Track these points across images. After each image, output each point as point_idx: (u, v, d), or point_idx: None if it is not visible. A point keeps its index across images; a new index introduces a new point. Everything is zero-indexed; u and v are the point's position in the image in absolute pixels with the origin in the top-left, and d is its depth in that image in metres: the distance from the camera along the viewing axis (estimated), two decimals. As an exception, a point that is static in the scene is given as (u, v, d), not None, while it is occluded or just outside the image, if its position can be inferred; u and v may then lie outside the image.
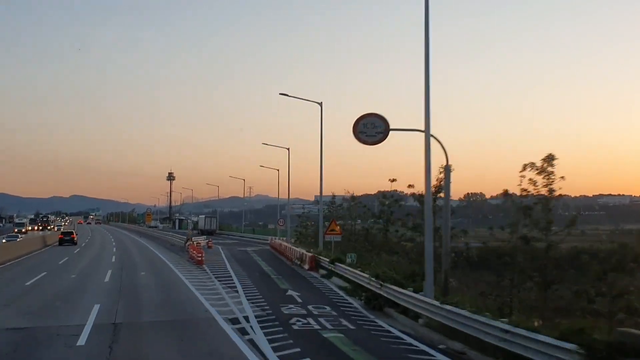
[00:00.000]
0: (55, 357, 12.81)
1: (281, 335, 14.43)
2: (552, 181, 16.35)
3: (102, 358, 12.41)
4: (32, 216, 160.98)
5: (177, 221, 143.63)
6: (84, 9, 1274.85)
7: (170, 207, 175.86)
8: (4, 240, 57.69)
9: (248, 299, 20.81)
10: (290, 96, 38.33)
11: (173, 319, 17.29)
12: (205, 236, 70.73)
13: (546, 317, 14.35)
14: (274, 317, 17.19)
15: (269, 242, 60.02)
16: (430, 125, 16.33)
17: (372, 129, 18.58)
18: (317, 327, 15.67)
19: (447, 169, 18.07)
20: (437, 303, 14.13)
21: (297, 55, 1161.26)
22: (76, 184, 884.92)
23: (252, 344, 13.63)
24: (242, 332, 15.04)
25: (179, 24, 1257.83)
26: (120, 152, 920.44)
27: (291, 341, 13.77)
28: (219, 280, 27.01)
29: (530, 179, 16.39)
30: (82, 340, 13.92)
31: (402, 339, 14.39)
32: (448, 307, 13.56)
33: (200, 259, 35.76)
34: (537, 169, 16.26)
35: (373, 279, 20.09)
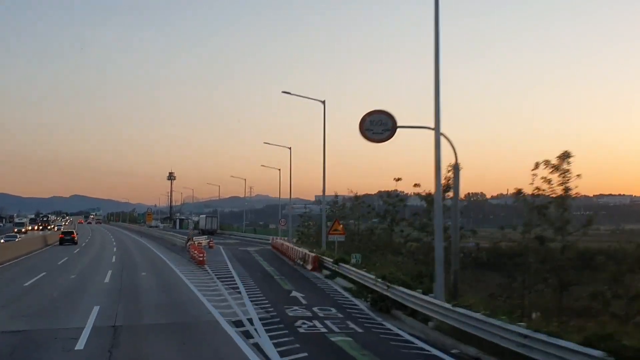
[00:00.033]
0: (52, 362, 12.32)
1: (287, 339, 13.93)
2: (568, 179, 15.81)
3: (102, 363, 11.93)
4: (33, 216, 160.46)
5: (177, 221, 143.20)
6: (84, 9, 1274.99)
7: (171, 206, 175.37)
8: (1, 241, 57.18)
9: (251, 301, 20.31)
10: (293, 94, 37.87)
11: (175, 321, 16.78)
12: (206, 236, 70.19)
13: (563, 320, 13.83)
14: (278, 319, 16.70)
15: (270, 242, 59.56)
16: (441, 122, 15.84)
17: (378, 126, 18.11)
18: (323, 330, 15.16)
19: (456, 168, 17.56)
20: (448, 306, 13.61)
21: (298, 55, 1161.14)
22: (76, 184, 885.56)
23: (257, 348, 13.13)
24: (247, 335, 14.54)
25: (179, 24, 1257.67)
26: (120, 152, 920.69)
27: (298, 345, 13.28)
28: (221, 281, 26.52)
29: (544, 178, 15.82)
30: (80, 344, 13.42)
31: (413, 343, 13.88)
32: (460, 309, 13.05)
33: (201, 259, 35.27)
34: (552, 167, 15.69)
35: (379, 280, 19.59)
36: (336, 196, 43.13)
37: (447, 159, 17.79)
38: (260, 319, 16.62)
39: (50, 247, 58.78)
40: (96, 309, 18.29)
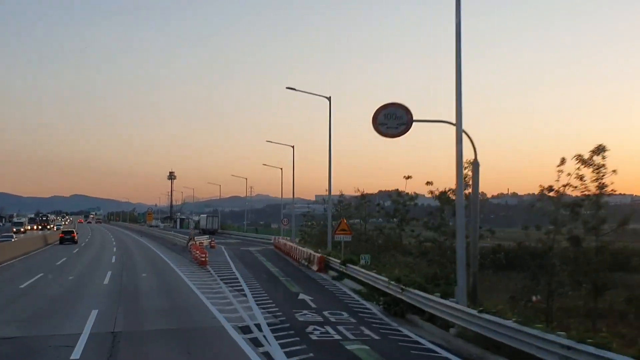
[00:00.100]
0: (46, 373, 11.35)
1: (299, 347, 12.92)
2: (603, 175, 14.77)
3: (99, 375, 10.94)
4: (32, 216, 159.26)
5: (178, 220, 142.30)
6: (84, 9, 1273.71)
7: (172, 206, 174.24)
8: None
9: (258, 304, 19.30)
10: (297, 90, 36.82)
11: (178, 327, 15.77)
12: (207, 236, 69.26)
13: (599, 327, 12.82)
14: (288, 324, 15.68)
15: (272, 241, 58.62)
16: (463, 118, 14.86)
17: (393, 120, 17.10)
18: (337, 337, 14.14)
19: (475, 165, 16.56)
20: (474, 312, 12.59)
21: (298, 54, 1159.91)
22: (77, 184, 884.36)
23: (268, 358, 12.14)
24: (255, 343, 13.53)
25: (179, 24, 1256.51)
26: (120, 152, 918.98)
27: (312, 354, 12.27)
28: (225, 283, 25.51)
29: (577, 174, 14.78)
30: (76, 353, 12.42)
31: (436, 352, 12.86)
32: (488, 316, 12.03)
33: (203, 259, 34.29)
34: (584, 162, 14.62)
35: (393, 282, 18.60)
36: (342, 195, 42.11)
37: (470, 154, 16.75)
38: (269, 325, 15.62)
39: (50, 246, 58.02)
40: (94, 313, 17.30)
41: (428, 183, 22.66)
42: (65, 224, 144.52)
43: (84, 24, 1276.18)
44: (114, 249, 52.93)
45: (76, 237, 64.35)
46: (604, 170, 14.81)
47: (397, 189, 27.87)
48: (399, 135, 17.11)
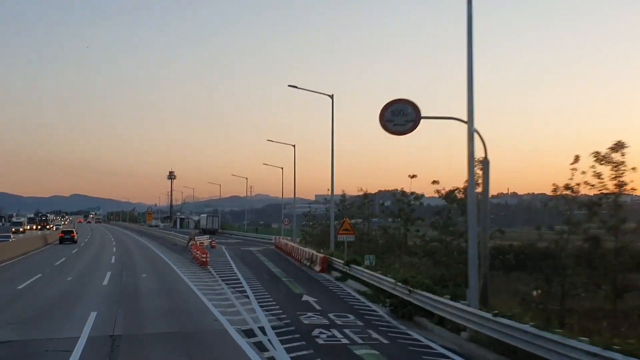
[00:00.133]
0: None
1: (306, 352, 12.43)
2: (622, 173, 14.27)
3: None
4: (31, 215, 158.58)
5: (178, 220, 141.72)
6: (84, 9, 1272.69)
7: (171, 206, 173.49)
8: None
9: (261, 306, 18.81)
10: (300, 88, 36.39)
11: (179, 330, 15.25)
12: (208, 236, 68.80)
13: (620, 332, 12.32)
14: (293, 328, 15.19)
15: (273, 241, 58.16)
16: (474, 115, 14.36)
17: (401, 116, 16.56)
18: (345, 340, 13.65)
19: (485, 163, 16.02)
20: (488, 315, 12.08)
21: (298, 54, 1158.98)
22: (77, 184, 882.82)
23: (274, 363, 11.65)
24: (260, 347, 13.03)
25: (179, 24, 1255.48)
26: (120, 152, 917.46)
27: (319, 360, 11.79)
28: (227, 284, 25.02)
29: (594, 171, 14.26)
30: (74, 358, 11.95)
31: (448, 357, 12.34)
32: (504, 320, 11.52)
33: (204, 260, 33.79)
34: (602, 159, 14.10)
35: (399, 284, 18.09)
36: (344, 194, 41.58)
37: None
38: (273, 328, 15.12)
39: (50, 246, 57.71)
40: (93, 315, 16.82)
41: (434, 182, 22.18)
42: (64, 223, 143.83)
43: (84, 24, 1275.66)
44: (114, 249, 52.44)
45: (76, 237, 64.36)
46: (623, 168, 14.32)
47: (402, 189, 27.37)
48: (406, 133, 16.59)
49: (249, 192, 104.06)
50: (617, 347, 8.64)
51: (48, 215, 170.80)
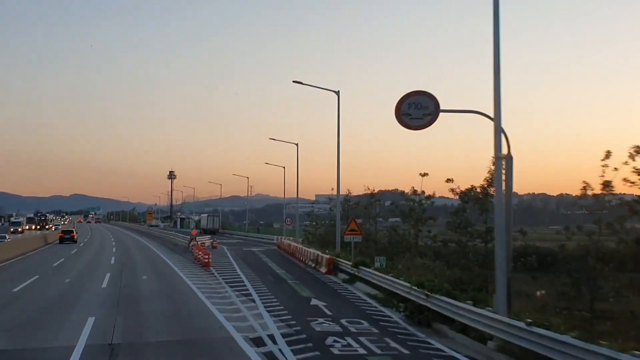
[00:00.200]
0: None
1: (321, 364, 11.43)
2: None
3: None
4: (31, 215, 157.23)
5: (178, 220, 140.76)
6: (84, 9, 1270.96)
7: (172, 206, 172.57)
8: None
9: (268, 311, 17.79)
10: (304, 84, 35.33)
11: (182, 338, 14.22)
12: (209, 236, 67.83)
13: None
14: (304, 335, 14.17)
15: (275, 242, 57.22)
16: (501, 109, 13.39)
17: (418, 110, 15.54)
18: (362, 350, 12.62)
19: (508, 159, 14.99)
20: (521, 324, 11.04)
21: (299, 54, 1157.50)
22: (77, 183, 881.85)
23: (287, 377, 10.64)
24: (270, 358, 12.04)
25: (179, 24, 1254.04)
26: (120, 152, 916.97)
27: (336, 373, 10.78)
28: (230, 286, 24.00)
29: (634, 168, 13.25)
30: (69, 370, 10.96)
31: (476, 370, 11.37)
32: (540, 330, 10.49)
33: (207, 260, 32.79)
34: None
35: (415, 287, 17.08)
36: (349, 194, 40.51)
37: (488, 150, 15.24)
38: (283, 335, 14.11)
39: (50, 246, 56.98)
40: (91, 321, 15.83)
41: (448, 180, 21.09)
42: (64, 223, 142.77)
43: (84, 24, 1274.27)
44: (113, 250, 51.46)
45: (76, 237, 64.19)
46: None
47: (413, 187, 26.29)
48: (424, 127, 15.56)
49: (250, 192, 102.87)
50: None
51: (47, 215, 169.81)
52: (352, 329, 15.04)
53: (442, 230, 25.25)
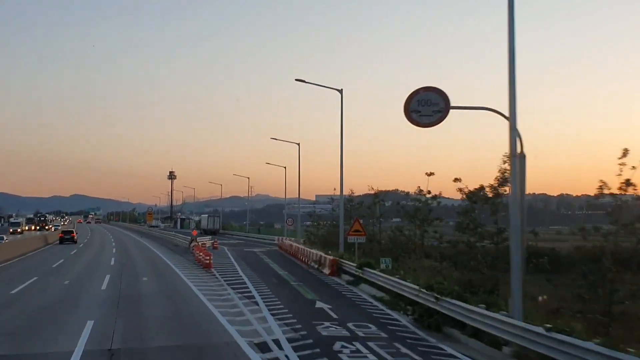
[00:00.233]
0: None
1: (331, 372, 10.92)
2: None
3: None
4: (31, 216, 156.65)
5: (178, 220, 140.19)
6: (84, 9, 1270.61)
7: (172, 206, 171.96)
8: None
9: (272, 314, 17.28)
10: (307, 82, 34.83)
11: (184, 343, 13.71)
12: (210, 236, 67.33)
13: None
14: (311, 341, 13.66)
15: (276, 242, 56.78)
16: (517, 107, 12.91)
17: (428, 106, 15.01)
18: (372, 357, 12.11)
19: (522, 158, 14.50)
20: (539, 329, 10.55)
21: (298, 54, 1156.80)
22: (77, 184, 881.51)
23: (295, 385, 10.14)
24: (277, 364, 11.54)
25: (179, 24, 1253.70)
26: (120, 152, 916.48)
27: (347, 381, 10.28)
28: (233, 288, 23.50)
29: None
30: (67, 378, 10.47)
31: (493, 378, 10.87)
32: (561, 336, 10.00)
33: (208, 262, 32.30)
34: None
35: (424, 290, 16.58)
36: (352, 194, 40.00)
37: (498, 148, 14.80)
38: (289, 340, 13.61)
39: (50, 246, 56.62)
40: (90, 324, 15.34)
41: (456, 180, 20.58)
42: (63, 224, 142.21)
43: (84, 24, 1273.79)
44: (113, 250, 50.98)
45: (76, 237, 64.13)
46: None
47: (419, 187, 25.78)
48: (434, 124, 15.02)
49: (250, 192, 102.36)
50: None
51: (47, 215, 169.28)
52: (360, 333, 14.54)
53: (447, 231, 24.76)
